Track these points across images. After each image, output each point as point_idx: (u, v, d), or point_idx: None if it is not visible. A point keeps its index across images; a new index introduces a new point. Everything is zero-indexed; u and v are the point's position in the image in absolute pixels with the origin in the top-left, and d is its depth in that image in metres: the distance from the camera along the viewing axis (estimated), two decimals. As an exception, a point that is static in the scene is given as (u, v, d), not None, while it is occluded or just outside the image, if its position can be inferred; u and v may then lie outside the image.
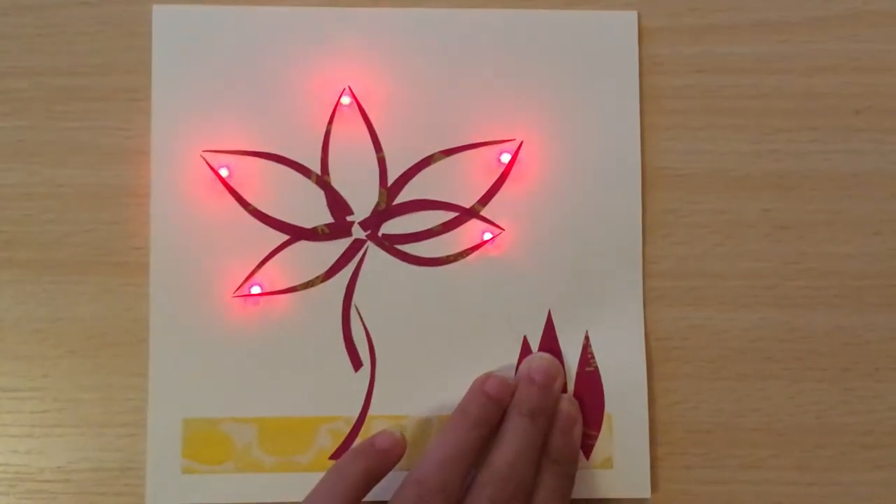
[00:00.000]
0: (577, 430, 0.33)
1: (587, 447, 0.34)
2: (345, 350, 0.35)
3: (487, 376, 0.33)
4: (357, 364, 0.35)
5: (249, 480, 0.34)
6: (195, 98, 0.35)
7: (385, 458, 0.32)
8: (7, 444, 0.34)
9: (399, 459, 0.32)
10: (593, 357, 0.35)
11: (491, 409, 0.32)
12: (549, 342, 0.35)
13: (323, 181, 0.35)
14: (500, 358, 0.35)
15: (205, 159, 0.35)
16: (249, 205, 0.35)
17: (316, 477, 0.31)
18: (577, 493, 0.33)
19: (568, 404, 0.33)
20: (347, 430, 0.34)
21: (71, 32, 0.36)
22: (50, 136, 0.36)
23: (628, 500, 0.34)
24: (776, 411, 0.35)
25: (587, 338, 0.35)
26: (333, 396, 0.34)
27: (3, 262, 0.35)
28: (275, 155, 0.35)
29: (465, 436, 0.31)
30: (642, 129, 0.36)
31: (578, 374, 0.35)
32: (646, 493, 0.34)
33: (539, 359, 0.34)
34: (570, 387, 0.34)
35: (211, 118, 0.35)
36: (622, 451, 0.34)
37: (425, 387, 0.34)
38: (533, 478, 0.32)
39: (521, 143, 0.35)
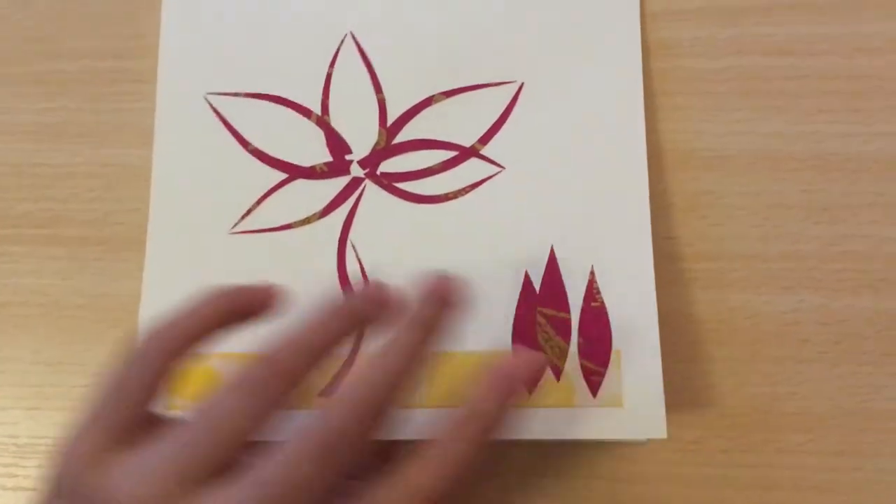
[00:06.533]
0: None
1: (594, 384, 0.33)
2: (340, 287, 0.34)
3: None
4: None
5: None
6: (201, 42, 0.36)
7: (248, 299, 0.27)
8: (50, 417, 0.35)
9: (265, 309, 0.27)
10: (599, 292, 0.34)
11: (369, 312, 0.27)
12: (552, 277, 0.34)
13: (323, 121, 0.36)
14: (502, 294, 0.34)
15: (208, 101, 0.36)
16: (249, 144, 0.36)
17: (304, 414, 0.29)
18: (585, 433, 0.32)
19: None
20: (338, 365, 0.33)
21: (115, 15, 0.37)
22: (94, 118, 0.37)
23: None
24: (815, 395, 0.34)
25: (592, 272, 0.34)
26: None
27: (49, 239, 0.36)
28: (276, 96, 0.36)
29: (328, 323, 0.26)
30: (679, 111, 0.36)
31: (584, 310, 0.33)
32: (661, 432, 0.32)
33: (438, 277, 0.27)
34: (575, 322, 0.34)
35: (216, 62, 0.36)
36: (633, 389, 0.32)
37: None
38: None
39: (522, 84, 0.35)
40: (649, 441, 0.33)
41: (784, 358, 0.34)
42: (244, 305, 0.27)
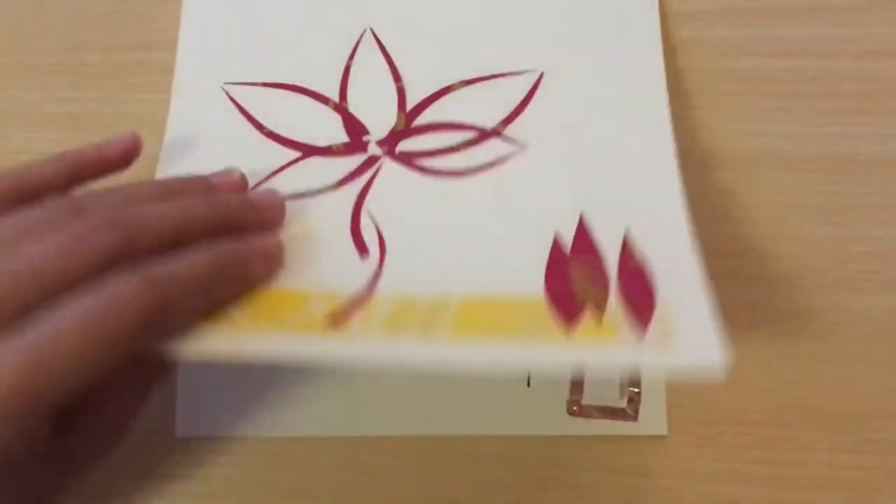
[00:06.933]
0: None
1: (643, 321, 0.27)
2: (352, 242, 0.31)
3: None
4: (363, 252, 0.31)
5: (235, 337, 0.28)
6: (221, 33, 0.37)
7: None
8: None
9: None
10: (635, 249, 0.30)
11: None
12: (584, 241, 0.30)
13: (340, 107, 0.35)
14: (526, 256, 0.30)
15: (226, 91, 0.36)
16: (265, 128, 0.35)
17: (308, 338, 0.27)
18: (640, 367, 0.30)
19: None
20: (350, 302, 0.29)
21: (138, 7, 0.38)
22: (116, 109, 0.37)
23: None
24: (830, 394, 0.34)
25: (628, 231, 0.30)
26: (336, 277, 0.30)
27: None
28: (295, 86, 0.36)
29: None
30: (695, 111, 0.36)
31: (621, 268, 0.29)
32: (716, 359, 0.25)
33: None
34: (613, 283, 0.29)
35: (234, 52, 0.36)
36: (684, 324, 0.27)
37: (436, 270, 0.30)
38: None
39: (542, 73, 0.35)
40: (667, 434, 0.33)
41: (800, 355, 0.35)
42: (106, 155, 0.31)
